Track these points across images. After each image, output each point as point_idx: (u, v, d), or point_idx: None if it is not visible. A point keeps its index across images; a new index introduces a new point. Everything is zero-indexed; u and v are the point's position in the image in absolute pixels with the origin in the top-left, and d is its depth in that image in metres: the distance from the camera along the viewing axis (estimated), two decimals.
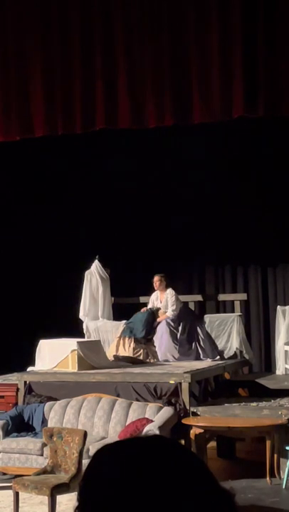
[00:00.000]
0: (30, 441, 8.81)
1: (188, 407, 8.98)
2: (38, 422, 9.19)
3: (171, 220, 13.00)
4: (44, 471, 7.28)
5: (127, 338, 11.05)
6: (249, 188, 12.62)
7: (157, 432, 7.86)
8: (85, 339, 11.37)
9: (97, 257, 12.26)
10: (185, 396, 9.03)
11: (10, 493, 7.32)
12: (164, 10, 9.48)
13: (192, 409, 8.99)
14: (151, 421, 8.49)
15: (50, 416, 9.20)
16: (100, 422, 8.95)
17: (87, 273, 12.29)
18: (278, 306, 11.40)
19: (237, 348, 11.64)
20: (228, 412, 8.99)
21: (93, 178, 13.20)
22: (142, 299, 12.26)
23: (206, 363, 10.65)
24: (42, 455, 8.61)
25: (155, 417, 8.59)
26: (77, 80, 9.80)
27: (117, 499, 1.25)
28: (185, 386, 9.06)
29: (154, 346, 11.11)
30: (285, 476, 8.28)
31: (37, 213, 13.20)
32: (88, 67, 9.76)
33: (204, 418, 8.88)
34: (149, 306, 11.58)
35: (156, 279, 11.58)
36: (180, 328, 11.11)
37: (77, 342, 10.23)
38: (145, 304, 11.82)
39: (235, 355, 11.58)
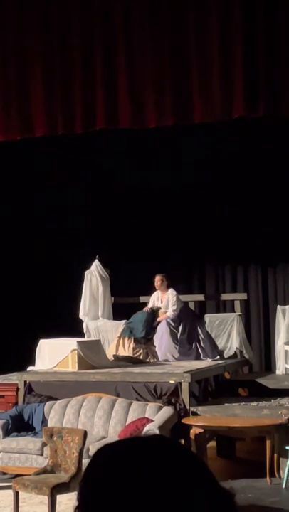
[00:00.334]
0: (30, 441, 8.81)
1: (188, 407, 8.98)
2: (38, 421, 9.19)
3: (172, 220, 13.00)
4: (44, 471, 7.28)
5: (126, 338, 11.05)
6: (249, 187, 12.63)
7: (157, 432, 7.87)
8: (85, 339, 11.37)
9: (97, 256, 12.26)
10: (185, 396, 9.03)
11: (10, 492, 7.32)
12: (164, 10, 9.48)
13: (192, 408, 8.99)
14: (151, 420, 8.49)
15: (50, 415, 9.20)
16: (100, 421, 8.95)
17: (87, 273, 12.29)
18: (278, 306, 11.40)
19: (237, 348, 11.65)
20: (228, 411, 8.99)
21: (93, 178, 13.20)
22: (142, 299, 12.26)
23: (206, 362, 10.65)
24: (42, 455, 8.60)
25: (155, 417, 8.59)
26: (78, 79, 9.80)
27: (117, 499, 1.24)
28: (185, 386, 9.06)
29: (154, 346, 11.11)
30: (285, 476, 8.28)
31: (37, 213, 13.20)
32: (88, 66, 9.76)
33: (204, 418, 8.88)
34: (150, 305, 11.58)
35: (157, 278, 11.57)
36: (180, 328, 11.11)
37: (77, 342, 10.23)
38: (145, 304, 11.82)
39: (235, 355, 11.58)
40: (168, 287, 11.54)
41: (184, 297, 12.01)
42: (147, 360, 10.88)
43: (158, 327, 11.22)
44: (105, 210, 13.19)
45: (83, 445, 7.13)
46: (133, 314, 11.51)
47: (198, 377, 9.71)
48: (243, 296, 12.84)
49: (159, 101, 9.51)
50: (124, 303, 12.59)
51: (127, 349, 10.96)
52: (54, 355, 10.24)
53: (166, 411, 8.72)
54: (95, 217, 13.15)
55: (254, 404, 9.18)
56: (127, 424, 8.72)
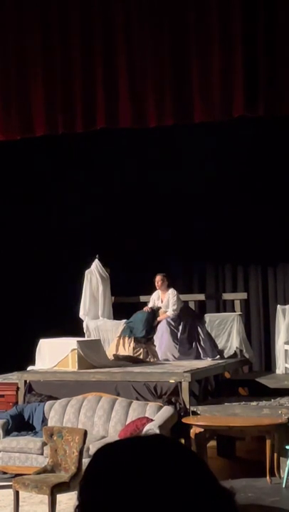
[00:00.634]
0: (30, 441, 8.81)
1: (188, 406, 8.98)
2: (38, 421, 9.19)
3: (172, 219, 13.00)
4: (44, 470, 7.29)
5: (127, 338, 11.05)
6: (249, 187, 12.62)
7: (157, 431, 7.87)
8: (85, 338, 11.37)
9: (97, 256, 12.26)
10: (185, 395, 9.03)
11: (10, 492, 7.32)
12: (164, 9, 9.48)
13: (192, 408, 9.00)
14: (152, 420, 8.49)
15: (51, 415, 9.20)
16: (100, 421, 8.95)
17: (87, 272, 12.29)
18: (278, 306, 11.40)
19: (237, 347, 11.64)
20: (228, 411, 8.99)
21: (93, 177, 13.19)
22: (142, 298, 12.25)
23: (206, 362, 10.65)
24: (42, 454, 8.61)
25: (155, 416, 8.59)
26: (78, 79, 9.80)
27: (117, 498, 1.24)
28: (185, 385, 9.06)
29: (154, 345, 11.11)
30: (285, 475, 8.28)
31: (37, 212, 13.20)
32: (89, 66, 9.76)
33: (204, 417, 8.89)
34: (150, 305, 11.58)
35: (158, 278, 11.57)
36: (180, 327, 11.11)
37: (78, 341, 10.23)
38: (145, 303, 11.82)
39: (235, 355, 11.58)
40: (168, 287, 11.54)
41: (183, 296, 12.01)
42: (147, 359, 10.88)
43: (158, 327, 11.22)
44: (105, 210, 13.18)
45: (83, 444, 7.14)
46: (133, 314, 11.51)
47: (199, 376, 9.72)
48: (243, 295, 12.84)
49: (159, 100, 9.51)
50: (125, 302, 12.58)
51: (127, 349, 10.97)
52: (54, 354, 10.24)
53: (167, 410, 8.72)
54: (95, 216, 13.14)
55: (254, 403, 9.18)
56: (127, 423, 8.72)
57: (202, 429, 8.67)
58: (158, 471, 1.26)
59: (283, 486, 8.24)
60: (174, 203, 12.97)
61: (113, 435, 8.72)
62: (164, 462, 1.27)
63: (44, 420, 9.15)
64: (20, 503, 7.26)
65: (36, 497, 7.59)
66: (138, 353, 10.93)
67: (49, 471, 7.24)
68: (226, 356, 11.36)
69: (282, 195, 12.40)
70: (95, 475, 1.30)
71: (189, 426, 8.73)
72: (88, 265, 12.31)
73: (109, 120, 9.74)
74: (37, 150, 12.22)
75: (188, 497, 1.24)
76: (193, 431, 8.68)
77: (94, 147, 12.77)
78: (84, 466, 5.31)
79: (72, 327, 11.69)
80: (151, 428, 8.18)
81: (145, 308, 11.48)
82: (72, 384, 9.63)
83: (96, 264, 12.29)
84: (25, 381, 9.83)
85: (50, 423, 8.96)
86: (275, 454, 8.55)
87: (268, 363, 12.55)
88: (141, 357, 10.88)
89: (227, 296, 12.97)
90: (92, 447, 7.89)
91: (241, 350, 11.66)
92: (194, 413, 8.95)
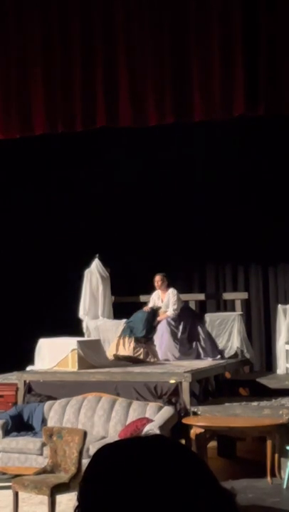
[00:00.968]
0: (29, 441, 8.80)
1: (188, 407, 8.97)
2: (37, 421, 9.18)
3: (172, 219, 12.99)
4: (44, 471, 7.27)
5: (127, 338, 11.04)
6: (249, 186, 12.62)
7: (157, 432, 7.85)
8: (85, 338, 11.37)
9: (97, 255, 12.27)
10: (185, 395, 9.02)
11: (9, 492, 7.31)
12: (164, 8, 9.47)
13: (192, 408, 8.99)
14: (152, 420, 8.48)
15: (50, 415, 9.19)
16: (100, 421, 8.94)
17: (87, 272, 12.29)
18: (279, 305, 11.40)
19: (238, 347, 11.64)
20: (228, 411, 8.98)
21: (93, 177, 13.18)
22: (142, 298, 12.26)
23: (206, 362, 10.65)
24: (42, 455, 8.60)
25: (155, 417, 8.58)
26: (78, 78, 9.79)
27: (117, 499, 1.24)
28: (185, 385, 9.06)
29: (155, 345, 11.10)
30: (285, 476, 8.26)
31: (37, 212, 13.19)
32: (89, 65, 9.75)
33: (205, 418, 8.87)
34: (150, 304, 11.58)
35: (157, 278, 11.57)
36: (180, 327, 11.11)
37: (77, 341, 10.23)
38: (146, 303, 11.82)
39: (235, 355, 11.58)
40: (168, 287, 11.54)
41: (184, 296, 12.01)
42: (148, 359, 10.87)
43: (158, 326, 11.21)
44: (105, 209, 13.18)
45: (83, 445, 7.12)
46: (133, 313, 11.50)
47: (199, 376, 9.71)
48: (244, 295, 12.85)
49: (160, 99, 9.50)
50: (125, 302, 12.58)
51: (127, 348, 10.96)
52: (54, 354, 10.23)
53: (167, 411, 8.71)
54: (95, 216, 13.14)
55: (255, 404, 9.17)
56: (127, 424, 8.71)
57: (202, 430, 8.65)
58: (158, 471, 1.25)
59: (284, 486, 8.23)
60: (174, 202, 12.96)
61: (113, 435, 8.71)
62: (164, 463, 1.27)
63: (44, 420, 9.14)
64: (20, 504, 7.25)
65: (36, 498, 7.58)
66: (138, 353, 10.92)
67: (49, 471, 7.23)
68: (226, 356, 11.36)
69: (282, 194, 12.40)
70: (94, 475, 1.30)
71: (190, 426, 8.72)
72: (88, 265, 12.31)
73: (110, 119, 9.73)
74: (37, 149, 12.20)
75: (188, 498, 1.23)
76: (193, 431, 8.67)
77: (94, 146, 12.76)
78: (84, 467, 5.29)
79: (72, 327, 11.68)
80: (152, 428, 8.17)
81: (145, 308, 11.48)
82: (72, 384, 9.62)
83: (96, 264, 12.29)
84: (25, 381, 9.82)
85: (50, 423, 8.95)
86: (276, 455, 8.54)
87: (269, 363, 12.55)
88: (141, 357, 10.87)
89: (227, 295, 12.98)
90: (92, 448, 7.88)
91: (242, 350, 11.66)
92: (195, 413, 8.94)
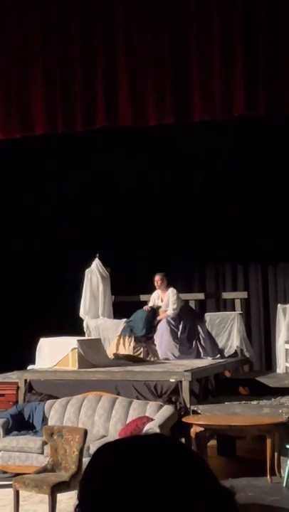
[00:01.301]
0: (30, 440, 8.81)
1: (188, 406, 8.98)
2: (38, 420, 9.19)
3: (172, 218, 12.99)
4: (44, 470, 7.28)
5: (127, 337, 11.05)
6: (249, 186, 12.62)
7: (158, 431, 7.87)
8: (86, 337, 11.37)
9: (97, 255, 12.27)
10: (185, 394, 9.03)
11: (10, 491, 7.32)
12: (164, 8, 9.47)
13: (192, 407, 9.00)
14: (152, 419, 8.49)
15: (51, 414, 9.20)
16: (101, 420, 8.95)
17: (87, 271, 12.29)
18: (279, 305, 11.40)
19: (237, 347, 11.65)
20: (228, 410, 8.99)
21: (93, 176, 13.18)
22: (143, 298, 12.26)
23: (206, 361, 10.66)
24: (42, 453, 8.61)
25: (155, 416, 8.59)
26: (78, 78, 9.79)
27: (117, 498, 1.24)
28: (185, 384, 9.06)
29: (155, 345, 11.11)
30: (285, 475, 8.28)
31: (37, 212, 13.20)
32: (89, 65, 9.76)
33: (205, 416, 8.88)
34: (150, 304, 11.59)
35: (157, 278, 11.58)
36: (180, 326, 11.12)
37: (78, 340, 10.23)
38: (146, 303, 11.82)
39: (235, 354, 11.58)
40: (168, 286, 11.55)
41: (184, 295, 12.01)
42: (148, 358, 10.88)
43: (158, 326, 11.22)
44: (105, 209, 13.18)
45: (83, 444, 7.14)
46: (133, 313, 11.51)
47: (199, 375, 9.71)
48: (244, 294, 12.85)
49: (160, 99, 9.50)
50: (125, 301, 12.59)
51: (127, 348, 10.96)
52: (54, 353, 10.24)
53: (167, 410, 8.72)
54: (95, 215, 13.14)
55: (254, 402, 9.18)
56: (127, 422, 8.72)
57: (202, 429, 8.67)
58: (158, 470, 1.25)
59: (284, 485, 8.24)
60: (174, 202, 12.96)
61: (113, 434, 8.72)
62: (164, 461, 1.27)
63: (44, 419, 9.15)
64: (21, 503, 7.26)
65: (36, 496, 7.59)
66: (138, 352, 10.93)
67: (49, 470, 7.24)
68: (226, 355, 11.36)
69: (282, 194, 12.40)
70: (95, 474, 1.30)
71: (190, 425, 8.73)
72: (88, 264, 12.31)
73: (110, 118, 9.73)
74: (37, 149, 12.20)
75: (188, 496, 1.24)
76: (193, 430, 8.68)
77: (94, 146, 12.76)
78: (84, 466, 5.31)
79: (73, 326, 11.70)
80: (152, 427, 8.18)
81: (145, 307, 11.49)
82: (73, 383, 9.63)
83: (96, 264, 12.30)
84: (26, 380, 9.83)
85: (51, 422, 8.96)
86: (276, 453, 8.55)
87: (269, 362, 12.56)
88: (141, 356, 10.88)
89: (227, 295, 12.98)
90: (93, 446, 7.89)
91: (242, 350, 11.66)
92: (195, 412, 8.95)
